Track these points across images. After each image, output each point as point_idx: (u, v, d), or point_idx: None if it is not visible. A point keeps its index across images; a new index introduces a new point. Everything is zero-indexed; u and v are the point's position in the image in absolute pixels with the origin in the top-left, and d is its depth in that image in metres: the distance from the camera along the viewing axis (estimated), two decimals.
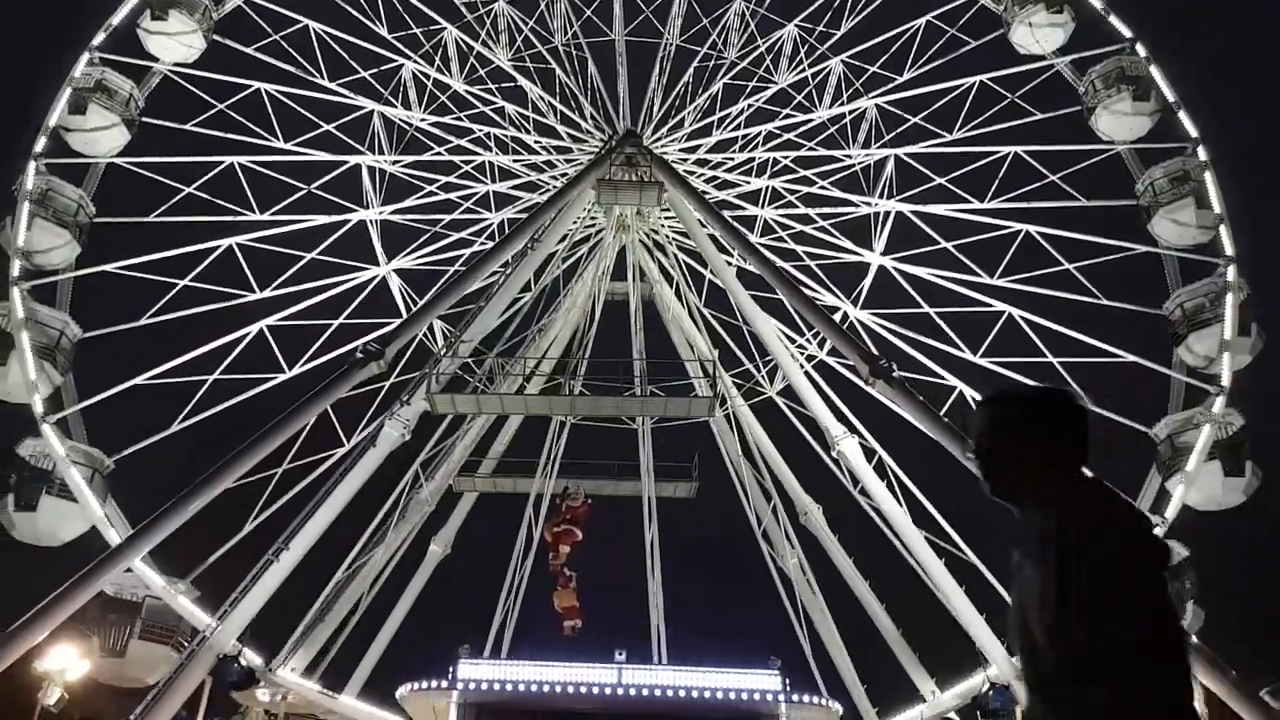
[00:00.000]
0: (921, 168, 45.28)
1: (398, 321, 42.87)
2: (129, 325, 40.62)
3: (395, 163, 46.15)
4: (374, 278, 44.77)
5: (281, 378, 40.89)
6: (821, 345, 44.99)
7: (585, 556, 40.91)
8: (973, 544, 38.49)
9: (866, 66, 46.97)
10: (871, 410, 41.10)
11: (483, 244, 47.17)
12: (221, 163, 42.75)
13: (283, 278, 42.67)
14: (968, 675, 38.25)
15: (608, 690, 33.93)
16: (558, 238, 44.04)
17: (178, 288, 40.76)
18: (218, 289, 41.79)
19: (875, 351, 37.75)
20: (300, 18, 45.15)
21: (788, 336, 44.95)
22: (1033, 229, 42.44)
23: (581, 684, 34.24)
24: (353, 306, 43.69)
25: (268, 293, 42.23)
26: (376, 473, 38.35)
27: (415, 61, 46.80)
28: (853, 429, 40.68)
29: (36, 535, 36.96)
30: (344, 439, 39.16)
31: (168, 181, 42.23)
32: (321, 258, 44.14)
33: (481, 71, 48.00)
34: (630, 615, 44.69)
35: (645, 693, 34.04)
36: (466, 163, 47.45)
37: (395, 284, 45.01)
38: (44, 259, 39.95)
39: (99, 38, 42.43)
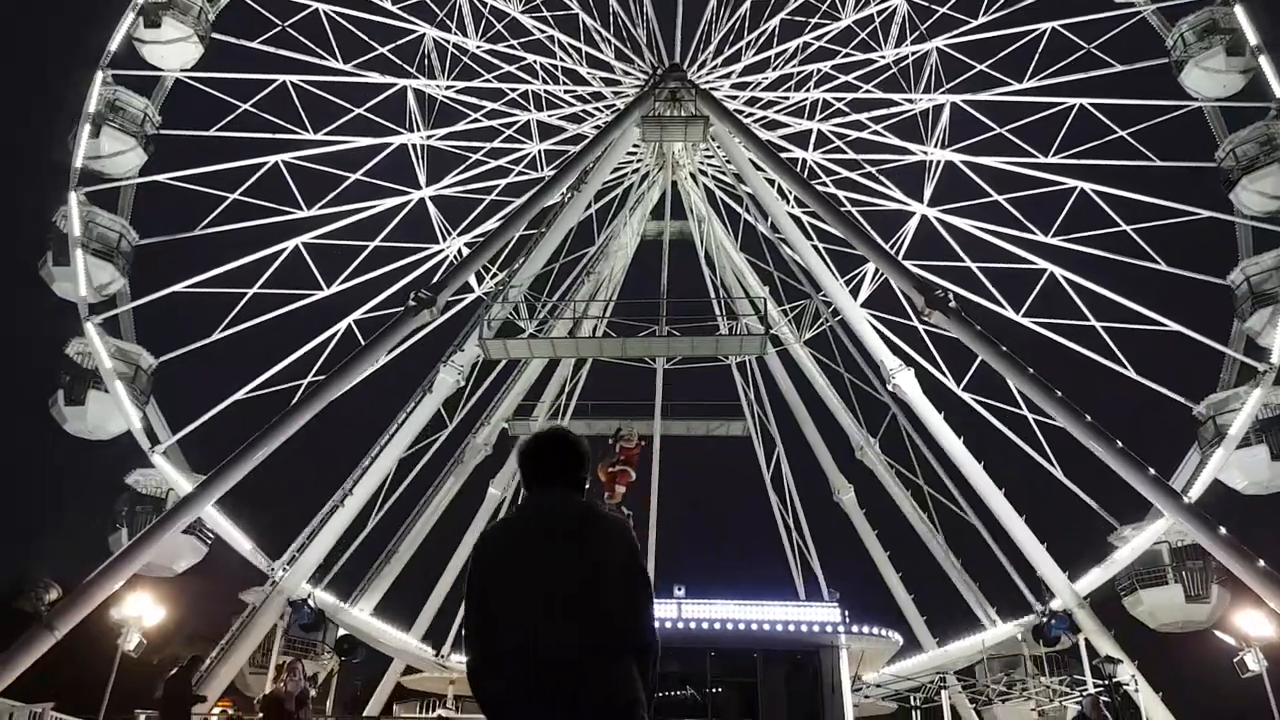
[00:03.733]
0: (981, 116, 44.29)
1: (433, 247, 44.22)
2: (180, 235, 41.54)
3: (443, 87, 45.70)
4: (411, 201, 44.84)
5: (320, 295, 41.54)
6: (855, 294, 44.03)
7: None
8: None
9: (935, 8, 45.74)
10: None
11: (522, 172, 47.20)
12: (276, 81, 42.53)
13: (327, 198, 43.06)
14: (1028, 605, 38.21)
15: (668, 624, 34.16)
16: (604, 177, 43.76)
17: (228, 201, 41.19)
18: (266, 204, 42.25)
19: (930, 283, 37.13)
20: None
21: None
22: (1088, 186, 41.37)
23: None
24: (389, 228, 44.07)
25: (314, 211, 42.57)
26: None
27: None
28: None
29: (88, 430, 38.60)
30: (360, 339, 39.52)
31: (225, 97, 42.30)
32: (365, 179, 44.37)
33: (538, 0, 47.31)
34: (686, 554, 45.05)
35: (705, 626, 34.32)
36: (513, 89, 47.04)
37: (433, 209, 45.05)
38: (114, 164, 40.77)
39: (109, 53, 41.65)
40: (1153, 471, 31.30)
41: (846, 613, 34.57)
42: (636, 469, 40.22)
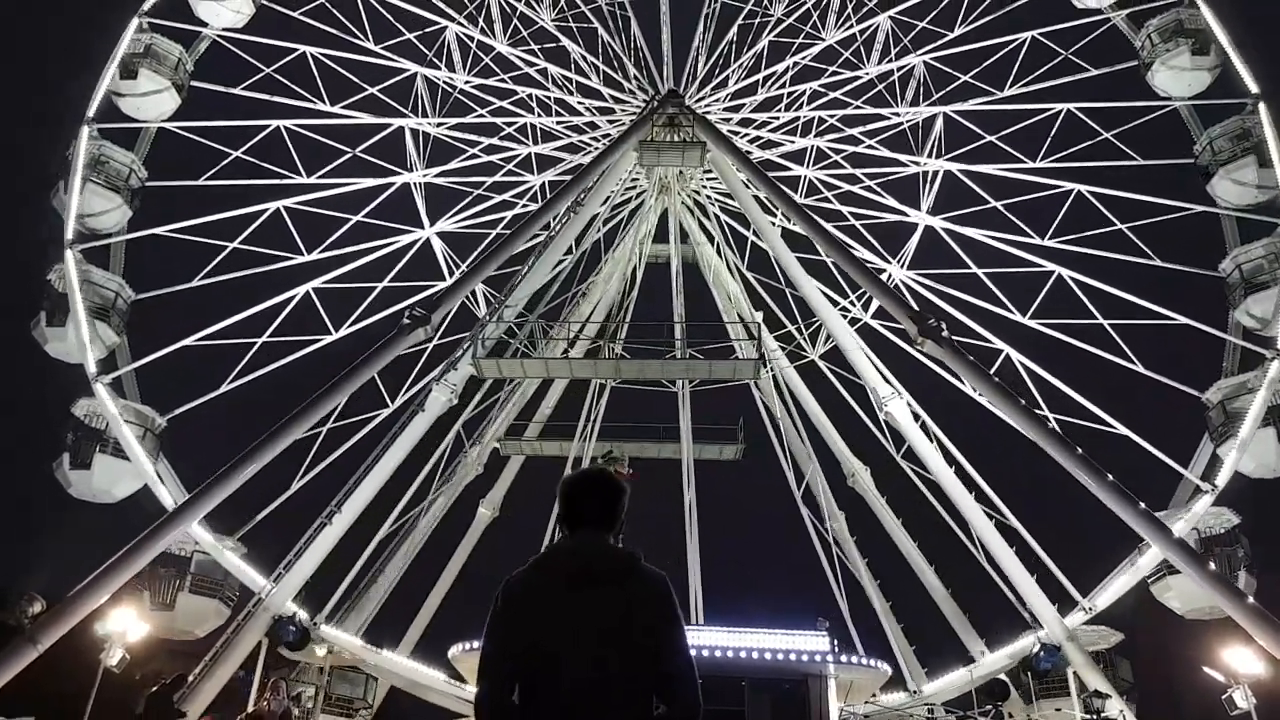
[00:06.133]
0: (972, 125, 44.59)
1: (439, 285, 43.43)
2: (180, 287, 40.94)
3: (438, 125, 46.03)
4: (418, 240, 44.97)
5: (328, 339, 41.26)
6: (866, 308, 44.57)
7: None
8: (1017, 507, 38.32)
9: (915, 22, 46.13)
10: (911, 376, 40.81)
11: (525, 206, 47.24)
12: (268, 126, 42.69)
13: (329, 240, 43.04)
14: (1017, 636, 38.05)
15: None
16: (600, 201, 43.91)
17: (227, 250, 40.94)
18: (267, 251, 41.97)
19: (924, 311, 37.16)
20: None
21: (830, 299, 44.62)
22: (1084, 189, 41.68)
23: None
24: (397, 269, 44.01)
25: (315, 255, 42.54)
26: (425, 436, 39.03)
27: (459, 23, 46.49)
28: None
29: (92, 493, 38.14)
30: (388, 399, 39.50)
31: (216, 146, 42.26)
32: (367, 220, 44.45)
33: (525, 33, 47.61)
34: (677, 578, 44.70)
35: (692, 653, 33.80)
36: (509, 124, 47.28)
37: (439, 246, 45.18)
38: (99, 222, 40.33)
39: (93, 108, 41.36)
40: (1142, 505, 31.21)
41: (835, 642, 34.42)
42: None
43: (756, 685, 33.51)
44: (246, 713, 27.20)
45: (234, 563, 36.79)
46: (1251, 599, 28.97)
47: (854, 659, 34.46)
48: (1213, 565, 36.21)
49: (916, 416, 40.30)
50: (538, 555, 4.95)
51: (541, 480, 50.04)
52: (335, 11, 44.84)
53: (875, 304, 43.72)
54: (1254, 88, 40.56)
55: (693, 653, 4.72)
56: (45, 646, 27.35)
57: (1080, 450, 31.81)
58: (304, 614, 37.06)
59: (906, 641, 43.63)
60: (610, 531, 4.97)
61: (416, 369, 40.83)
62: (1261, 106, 40.22)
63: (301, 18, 44.54)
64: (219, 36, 44.10)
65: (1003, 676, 38.53)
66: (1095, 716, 32.12)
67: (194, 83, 43.56)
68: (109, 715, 30.38)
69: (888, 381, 41.00)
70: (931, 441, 39.35)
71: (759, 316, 45.92)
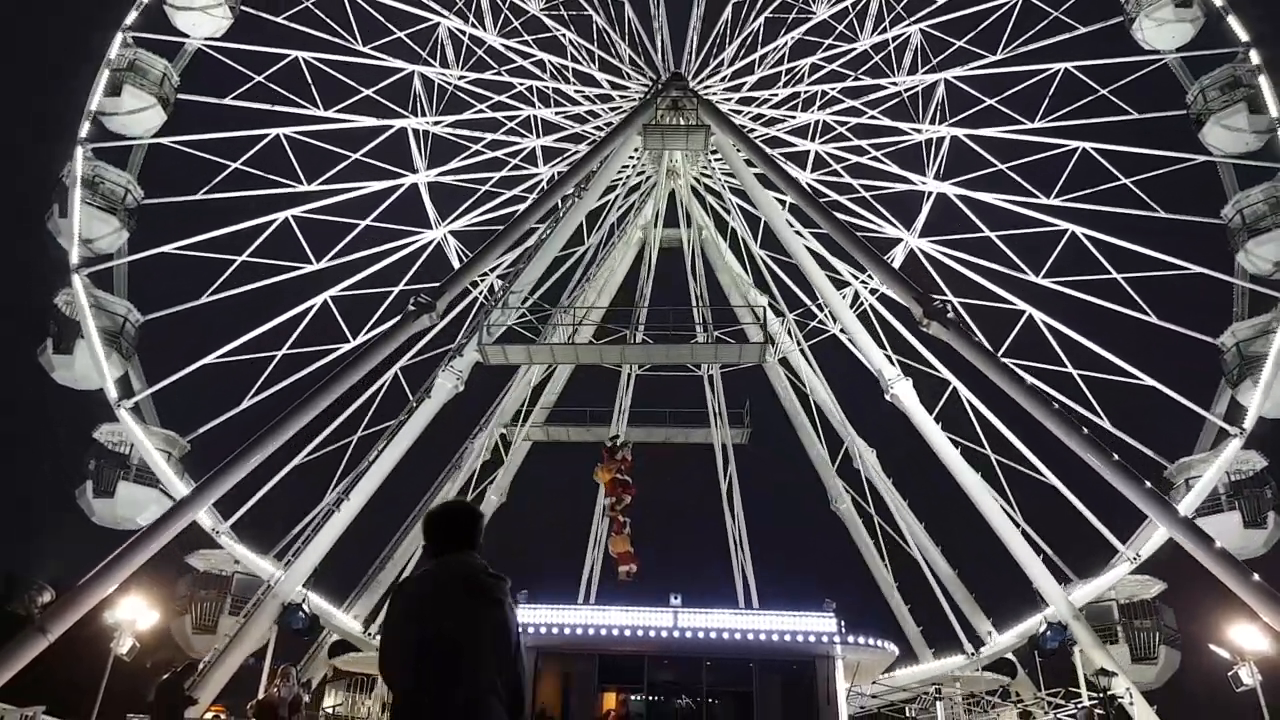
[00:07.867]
0: (972, 90, 44.31)
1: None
2: (189, 305, 40.52)
3: (439, 123, 45.90)
4: (429, 241, 44.91)
5: (346, 347, 40.75)
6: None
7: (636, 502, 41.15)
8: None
9: None
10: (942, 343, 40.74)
11: (534, 199, 47.08)
12: (266, 135, 42.28)
13: (338, 247, 42.79)
14: (1024, 616, 38.15)
15: (664, 633, 34.16)
16: (605, 185, 43.85)
17: (236, 264, 40.56)
18: (275, 263, 41.62)
19: (929, 292, 36.95)
20: None
21: (852, 274, 44.62)
22: (1088, 145, 41.39)
23: (639, 627, 34.52)
24: (412, 271, 43.73)
25: (325, 263, 42.32)
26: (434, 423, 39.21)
27: (450, 18, 46.16)
28: (924, 361, 40.81)
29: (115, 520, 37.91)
30: (413, 401, 39.56)
31: (214, 158, 41.92)
32: (376, 224, 44.26)
33: (517, 23, 47.26)
34: (686, 560, 44.94)
35: (701, 635, 34.26)
36: (510, 118, 47.13)
37: (451, 245, 45.13)
38: (96, 245, 40.12)
39: (84, 128, 40.69)
40: (1149, 485, 31.09)
41: (842, 623, 34.52)
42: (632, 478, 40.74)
43: (765, 667, 33.73)
44: (257, 700, 27.42)
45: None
46: (1256, 576, 28.88)
47: (861, 639, 34.57)
48: (1241, 507, 36.72)
49: (946, 383, 40.53)
50: (427, 567, 5.46)
51: (549, 465, 50.25)
52: (320, 13, 44.49)
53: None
54: (1243, 35, 40.20)
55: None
56: (55, 636, 27.50)
57: (1086, 431, 31.77)
58: (358, 624, 37.34)
59: (914, 622, 43.77)
60: (475, 550, 5.49)
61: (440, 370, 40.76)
62: (1253, 53, 39.79)
63: (287, 23, 44.19)
64: (206, 47, 43.74)
65: (1010, 655, 38.69)
66: (1102, 695, 32.19)
67: (184, 95, 43.21)
68: (119, 704, 30.58)
69: (914, 352, 41.18)
70: (938, 413, 39.41)
71: (764, 300, 45.93)
